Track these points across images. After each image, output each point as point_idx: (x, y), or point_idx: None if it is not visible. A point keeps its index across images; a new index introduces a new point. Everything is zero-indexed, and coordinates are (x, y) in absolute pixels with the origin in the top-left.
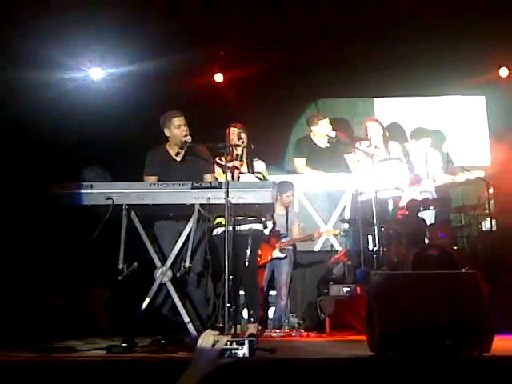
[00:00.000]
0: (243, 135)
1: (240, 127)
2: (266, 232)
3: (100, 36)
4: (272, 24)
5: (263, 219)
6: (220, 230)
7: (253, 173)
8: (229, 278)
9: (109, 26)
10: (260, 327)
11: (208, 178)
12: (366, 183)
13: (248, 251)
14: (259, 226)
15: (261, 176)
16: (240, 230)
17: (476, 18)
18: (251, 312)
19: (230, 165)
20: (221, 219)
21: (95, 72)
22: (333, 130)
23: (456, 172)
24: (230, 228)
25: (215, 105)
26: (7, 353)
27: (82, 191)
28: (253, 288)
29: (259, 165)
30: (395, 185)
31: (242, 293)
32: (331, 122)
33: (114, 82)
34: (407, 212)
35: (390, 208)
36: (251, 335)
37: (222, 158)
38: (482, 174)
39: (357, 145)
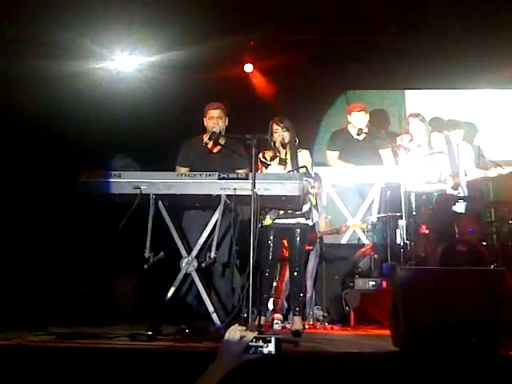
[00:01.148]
0: (286, 135)
1: (284, 124)
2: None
3: (131, 25)
4: (302, 14)
5: (310, 212)
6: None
7: (297, 170)
8: (254, 269)
9: (140, 15)
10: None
11: (241, 172)
12: (401, 176)
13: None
14: (307, 221)
15: (304, 170)
16: (287, 224)
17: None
18: (296, 303)
19: (273, 163)
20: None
21: (126, 61)
22: (371, 123)
23: (488, 167)
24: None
25: (245, 95)
26: (32, 338)
27: (110, 180)
28: (298, 281)
29: (303, 156)
30: (437, 178)
31: (274, 284)
32: (370, 115)
33: (145, 72)
34: (437, 206)
35: (420, 202)
36: (296, 332)
37: (266, 156)
38: (503, 171)
39: (398, 140)
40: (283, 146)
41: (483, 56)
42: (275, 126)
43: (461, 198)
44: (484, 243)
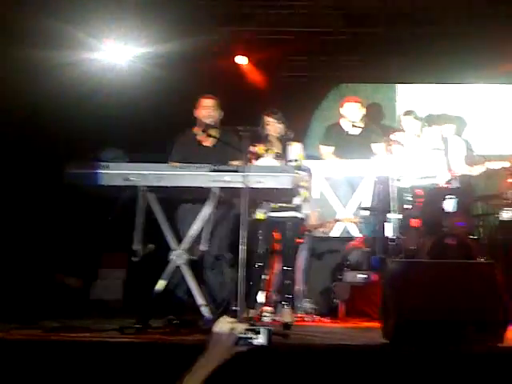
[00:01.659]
0: (281, 127)
1: (277, 117)
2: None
3: (124, 16)
4: (295, 6)
5: (301, 205)
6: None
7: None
8: (245, 262)
9: (133, 6)
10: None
11: (234, 164)
12: (394, 170)
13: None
14: (299, 215)
15: (295, 163)
16: (279, 217)
17: (507, 4)
18: (286, 296)
19: (268, 157)
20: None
21: (118, 52)
22: (366, 117)
23: (476, 161)
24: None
25: (237, 87)
26: (20, 331)
27: (99, 171)
28: (288, 273)
29: (295, 149)
30: (431, 173)
31: (264, 277)
32: (366, 108)
33: (137, 63)
34: (427, 200)
35: (411, 196)
36: (286, 324)
37: (258, 148)
38: (507, 164)
39: (392, 136)
40: (278, 138)
41: (474, 51)
42: (268, 118)
43: (452, 193)
44: (472, 237)
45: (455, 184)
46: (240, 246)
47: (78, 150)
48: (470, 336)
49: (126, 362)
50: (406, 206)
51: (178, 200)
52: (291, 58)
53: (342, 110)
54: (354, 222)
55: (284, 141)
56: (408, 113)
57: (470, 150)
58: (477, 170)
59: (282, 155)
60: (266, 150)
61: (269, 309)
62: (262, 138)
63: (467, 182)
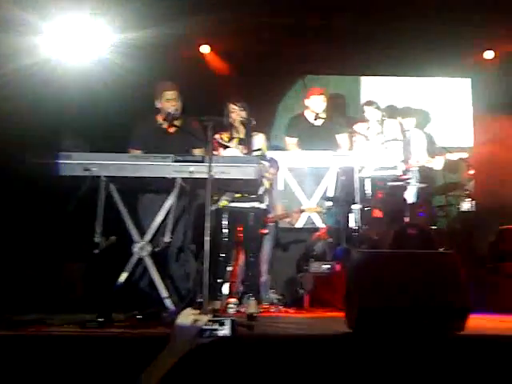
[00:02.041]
0: (244, 114)
1: (241, 105)
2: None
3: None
4: None
5: (264, 196)
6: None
7: (251, 153)
8: (209, 253)
9: None
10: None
11: (196, 152)
12: (357, 161)
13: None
14: (261, 205)
15: (259, 153)
16: (241, 208)
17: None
18: (251, 287)
19: (232, 145)
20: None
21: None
22: (329, 107)
23: (437, 153)
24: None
25: (201, 77)
26: None
27: (59, 161)
28: (253, 264)
29: (259, 139)
30: (391, 164)
31: (229, 268)
32: (329, 98)
33: (98, 51)
34: (389, 191)
35: (374, 187)
36: (251, 315)
37: (223, 137)
38: (465, 155)
39: (355, 127)
40: (243, 124)
41: (437, 45)
42: (233, 106)
43: (413, 184)
44: (433, 227)
45: (415, 175)
46: (204, 238)
47: (37, 139)
48: (432, 324)
49: (88, 357)
50: (368, 197)
51: (141, 191)
52: (256, 48)
53: (306, 102)
54: (318, 212)
55: (248, 126)
56: (369, 103)
57: (432, 143)
58: (438, 162)
59: (245, 140)
60: (231, 139)
61: (234, 300)
62: (225, 127)
63: (428, 173)
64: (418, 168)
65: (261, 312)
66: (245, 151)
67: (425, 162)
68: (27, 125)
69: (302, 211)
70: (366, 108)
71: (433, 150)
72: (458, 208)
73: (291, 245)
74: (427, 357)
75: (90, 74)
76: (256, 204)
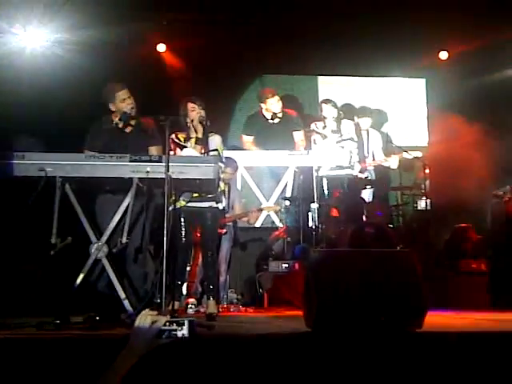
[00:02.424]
0: (203, 113)
1: (199, 103)
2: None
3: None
4: None
5: (220, 196)
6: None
7: (208, 153)
8: (168, 253)
9: None
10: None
11: (152, 151)
12: (315, 161)
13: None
14: (219, 205)
15: (216, 153)
16: (199, 207)
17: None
18: (210, 287)
19: (189, 144)
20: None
21: (31, 37)
22: (283, 106)
23: (395, 152)
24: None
25: (157, 76)
26: None
27: (13, 161)
28: (211, 264)
29: (215, 140)
30: (347, 163)
31: (188, 269)
32: (282, 99)
33: (52, 49)
34: (346, 190)
35: (331, 186)
36: (210, 315)
37: (180, 137)
38: (419, 154)
39: (312, 126)
40: (201, 123)
41: (392, 45)
42: (192, 105)
43: (369, 183)
44: (390, 225)
45: (371, 175)
46: (164, 238)
47: None
48: (390, 322)
49: (45, 359)
50: (326, 196)
51: (98, 191)
52: (213, 47)
53: (262, 106)
54: (277, 211)
55: (206, 125)
56: (327, 101)
57: (389, 142)
58: (393, 160)
59: (203, 140)
60: (187, 139)
61: (193, 300)
62: (182, 126)
63: (384, 172)
64: (373, 167)
65: (220, 312)
66: (202, 151)
67: (381, 161)
68: None
69: (261, 210)
70: (323, 106)
71: (389, 150)
72: (415, 207)
73: (250, 244)
74: (385, 354)
75: (44, 73)
76: (213, 204)
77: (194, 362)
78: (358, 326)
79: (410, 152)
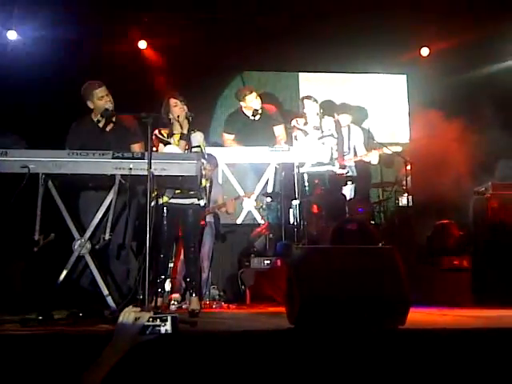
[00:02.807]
0: (186, 108)
1: (182, 99)
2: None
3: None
4: None
5: (202, 193)
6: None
7: (191, 148)
8: (151, 250)
9: None
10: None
11: (135, 148)
12: (296, 157)
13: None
14: (200, 202)
15: (199, 150)
16: (181, 204)
17: None
18: (193, 284)
19: (172, 140)
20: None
21: (10, 34)
22: (262, 103)
23: (376, 148)
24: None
25: (137, 73)
26: None
27: None
28: (193, 261)
29: (197, 137)
30: (327, 160)
31: (170, 265)
32: (260, 96)
33: (32, 46)
34: (328, 187)
35: (313, 183)
36: (193, 312)
37: (163, 132)
38: (399, 149)
39: (293, 122)
40: (188, 119)
41: (373, 41)
42: (174, 101)
43: (350, 179)
44: (372, 222)
45: (352, 171)
46: (147, 234)
47: None
48: (373, 319)
49: (28, 356)
50: (307, 193)
51: (80, 187)
52: (194, 44)
53: (242, 104)
54: (255, 203)
55: (190, 120)
56: (308, 97)
57: (370, 138)
58: (374, 156)
59: (188, 135)
60: (171, 134)
61: (176, 296)
62: (165, 123)
63: (365, 168)
64: (354, 163)
65: (203, 308)
66: (187, 147)
67: (361, 157)
68: None
69: (237, 198)
70: (305, 101)
71: (370, 145)
72: (396, 203)
73: (232, 240)
74: (368, 352)
75: (25, 70)
76: (195, 200)
77: (177, 358)
78: (340, 323)
79: (389, 147)
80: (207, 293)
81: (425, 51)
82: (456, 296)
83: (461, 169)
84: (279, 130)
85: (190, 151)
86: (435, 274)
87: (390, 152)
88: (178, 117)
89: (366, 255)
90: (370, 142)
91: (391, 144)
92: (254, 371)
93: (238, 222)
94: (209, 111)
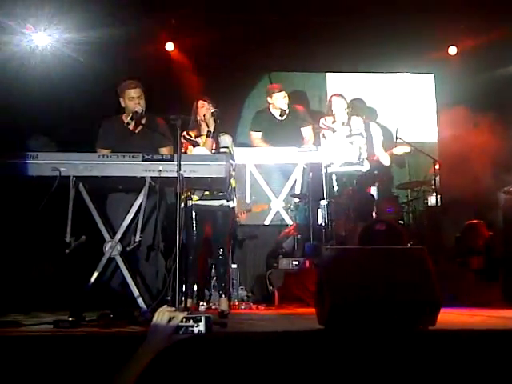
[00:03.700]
0: (213, 109)
1: (210, 101)
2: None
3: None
4: None
5: (231, 194)
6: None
7: (219, 149)
8: (181, 251)
9: None
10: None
11: (163, 151)
12: (324, 157)
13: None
14: (229, 203)
15: (227, 151)
16: (210, 206)
17: None
18: (222, 285)
19: (200, 140)
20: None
21: (40, 37)
22: (291, 103)
23: (396, 146)
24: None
25: (165, 75)
26: None
27: (27, 161)
28: (222, 262)
29: (225, 139)
30: (356, 160)
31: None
32: (289, 96)
33: (62, 49)
34: (356, 187)
35: (340, 183)
36: (222, 313)
37: (191, 133)
38: (407, 149)
39: (322, 121)
40: (214, 117)
41: (401, 41)
42: (202, 102)
43: (377, 180)
44: (401, 222)
45: (378, 171)
46: (175, 236)
47: (1, 139)
48: (403, 320)
49: (61, 357)
50: (335, 193)
51: (110, 190)
52: (221, 45)
53: (269, 100)
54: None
55: (217, 118)
56: (336, 94)
57: (398, 138)
58: (385, 158)
59: (214, 134)
60: (199, 135)
61: (205, 298)
62: (193, 125)
63: (387, 169)
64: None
65: (231, 309)
66: (214, 146)
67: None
68: None
69: (249, 211)
70: (333, 99)
71: (391, 144)
72: (425, 203)
73: (260, 241)
74: (398, 352)
75: (55, 73)
76: (224, 202)
77: (209, 358)
78: (370, 324)
79: (398, 147)
80: (235, 294)
81: (452, 50)
82: (485, 296)
83: (490, 168)
84: (307, 132)
85: (218, 152)
86: (464, 275)
87: (400, 153)
88: (204, 116)
89: (396, 256)
90: (397, 142)
91: (419, 144)
92: (285, 372)
93: (266, 222)
94: (236, 112)
